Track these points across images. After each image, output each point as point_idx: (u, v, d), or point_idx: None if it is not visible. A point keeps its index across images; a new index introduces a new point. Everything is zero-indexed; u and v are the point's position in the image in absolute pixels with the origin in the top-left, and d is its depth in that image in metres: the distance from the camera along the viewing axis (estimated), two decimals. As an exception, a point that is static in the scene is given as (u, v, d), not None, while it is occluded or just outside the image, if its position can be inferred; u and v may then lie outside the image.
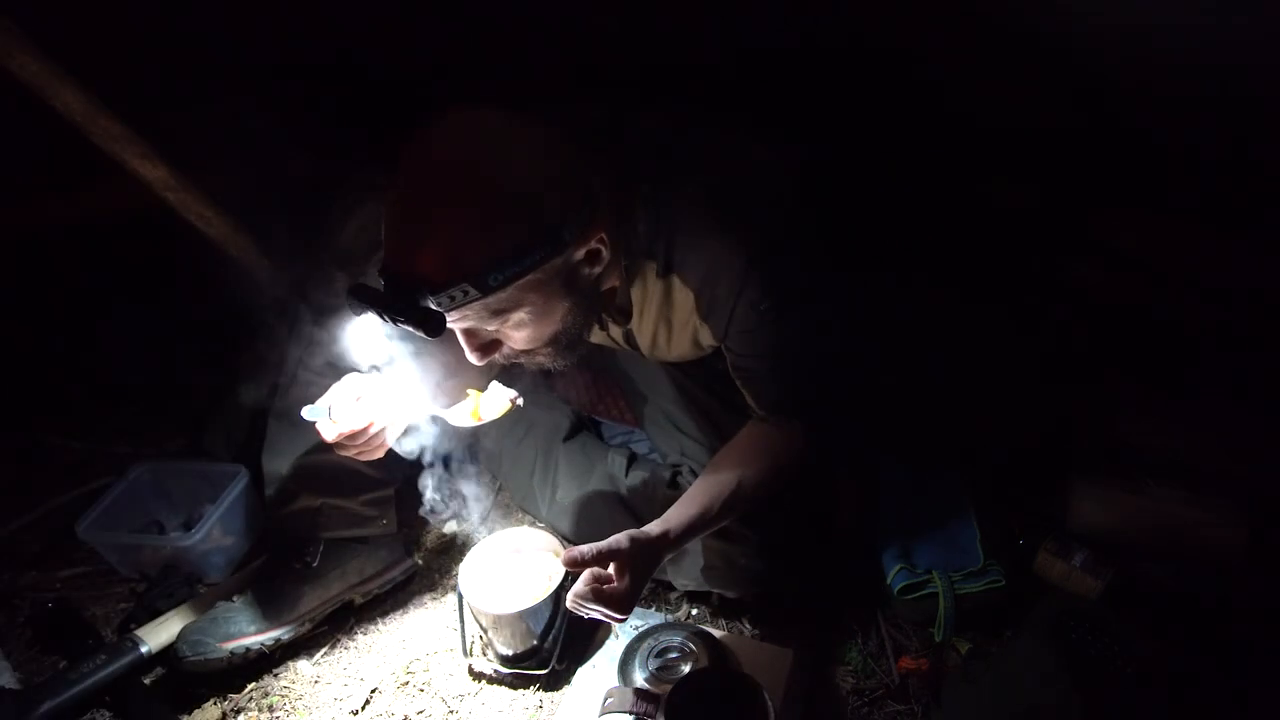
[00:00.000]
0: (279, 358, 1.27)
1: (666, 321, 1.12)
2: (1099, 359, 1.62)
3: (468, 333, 0.93)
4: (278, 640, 1.20)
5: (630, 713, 1.02)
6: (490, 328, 0.93)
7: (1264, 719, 1.10)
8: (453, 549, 1.43)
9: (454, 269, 0.81)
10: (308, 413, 1.01)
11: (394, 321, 0.83)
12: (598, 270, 0.94)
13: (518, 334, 0.94)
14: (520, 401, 1.09)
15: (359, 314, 0.86)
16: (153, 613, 1.24)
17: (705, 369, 1.27)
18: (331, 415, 1.00)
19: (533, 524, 1.45)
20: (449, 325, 0.86)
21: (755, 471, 1.11)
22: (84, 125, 1.32)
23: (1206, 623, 1.19)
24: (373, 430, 1.03)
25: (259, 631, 1.18)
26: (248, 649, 1.16)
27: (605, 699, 1.05)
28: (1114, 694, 0.98)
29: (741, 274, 1.00)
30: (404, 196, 0.84)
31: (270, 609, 1.20)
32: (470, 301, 0.84)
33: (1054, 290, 1.60)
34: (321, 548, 1.24)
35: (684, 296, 1.06)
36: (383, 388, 1.04)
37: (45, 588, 1.36)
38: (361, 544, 1.28)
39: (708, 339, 1.11)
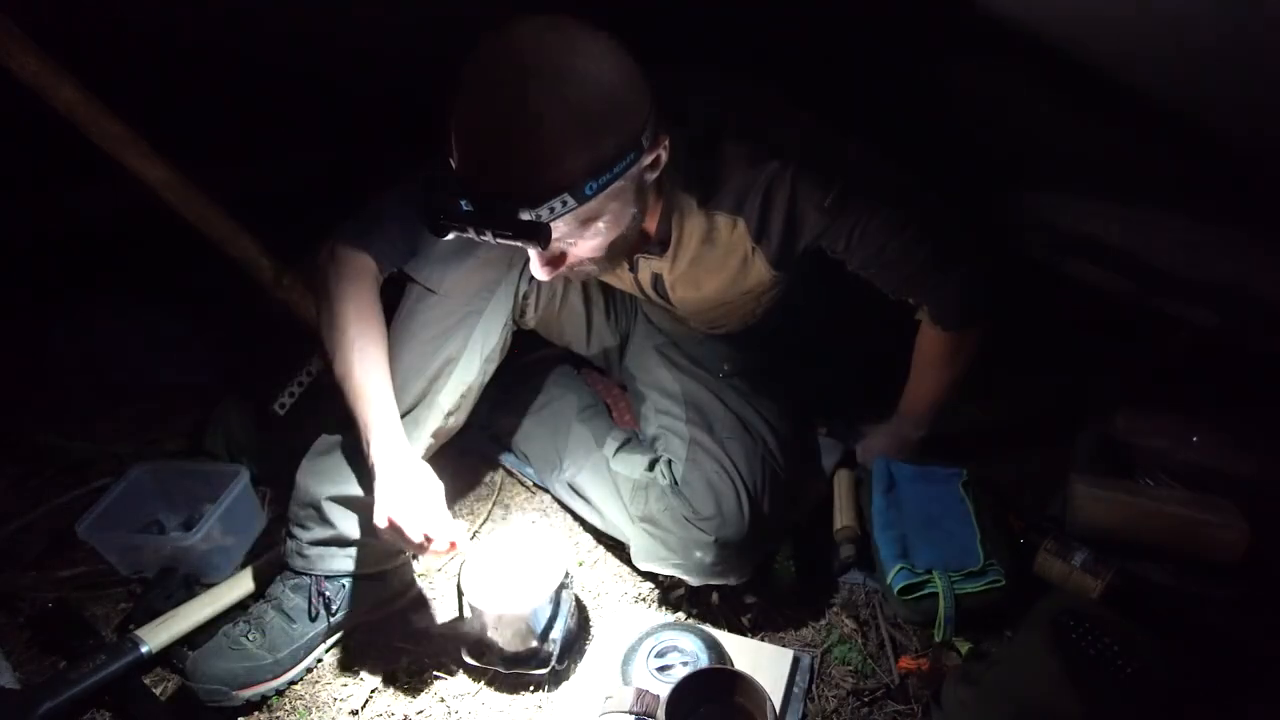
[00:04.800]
0: (281, 359, 1.26)
1: (707, 257, 1.10)
2: (1100, 358, 1.62)
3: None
4: (291, 683, 1.18)
5: (630, 713, 1.02)
6: (569, 240, 0.90)
7: None
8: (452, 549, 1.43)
9: (552, 180, 0.79)
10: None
11: (494, 237, 0.79)
12: (655, 175, 0.92)
13: (590, 243, 0.92)
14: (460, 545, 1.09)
15: (444, 235, 0.82)
16: (153, 613, 1.23)
17: (713, 353, 1.28)
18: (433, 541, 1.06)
19: (534, 523, 1.45)
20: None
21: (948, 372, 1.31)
22: (84, 125, 1.32)
23: (1206, 623, 1.18)
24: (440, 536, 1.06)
25: (274, 677, 1.15)
26: (264, 696, 1.15)
27: (605, 699, 1.05)
28: (1114, 694, 0.98)
29: (791, 179, 0.98)
30: (487, 108, 0.79)
31: (284, 653, 1.16)
32: (566, 212, 0.82)
33: (1056, 289, 1.60)
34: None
35: (727, 224, 1.04)
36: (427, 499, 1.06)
37: (45, 588, 1.36)
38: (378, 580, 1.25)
39: (761, 266, 1.08)
